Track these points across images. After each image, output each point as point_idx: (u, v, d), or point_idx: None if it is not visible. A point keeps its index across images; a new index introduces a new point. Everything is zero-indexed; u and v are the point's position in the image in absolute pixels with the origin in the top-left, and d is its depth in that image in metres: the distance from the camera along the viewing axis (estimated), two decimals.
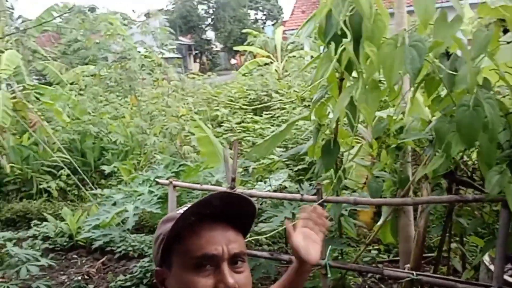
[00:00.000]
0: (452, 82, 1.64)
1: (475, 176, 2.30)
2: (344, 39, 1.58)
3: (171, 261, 0.94)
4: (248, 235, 1.08)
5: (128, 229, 3.04)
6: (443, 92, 1.97)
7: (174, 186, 2.70)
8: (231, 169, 2.56)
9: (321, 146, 2.34)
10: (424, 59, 1.49)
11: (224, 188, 2.72)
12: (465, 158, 2.25)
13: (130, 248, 4.49)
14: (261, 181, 3.64)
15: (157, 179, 2.81)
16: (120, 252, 4.48)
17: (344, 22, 1.58)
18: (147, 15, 7.04)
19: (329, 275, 2.40)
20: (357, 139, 3.01)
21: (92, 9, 6.49)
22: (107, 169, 6.39)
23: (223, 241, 0.91)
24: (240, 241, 0.95)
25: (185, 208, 0.95)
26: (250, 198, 0.97)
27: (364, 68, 1.57)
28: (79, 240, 4.69)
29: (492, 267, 3.24)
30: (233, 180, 2.60)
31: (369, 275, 3.74)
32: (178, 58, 8.52)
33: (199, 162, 3.46)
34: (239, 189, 2.65)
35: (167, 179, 3.16)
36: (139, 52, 6.93)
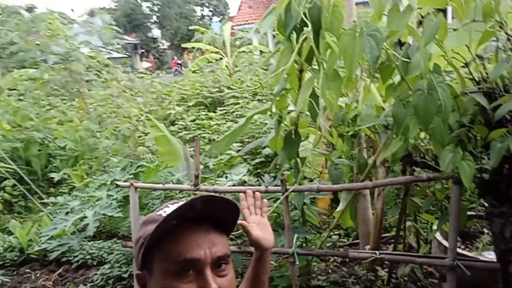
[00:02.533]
0: (405, 68, 1.73)
1: (427, 157, 2.44)
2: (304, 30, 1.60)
3: (152, 265, 0.91)
4: None
5: (89, 236, 2.92)
6: (396, 79, 2.07)
7: (136, 188, 2.63)
8: (194, 167, 2.53)
9: (283, 138, 2.37)
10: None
11: (188, 186, 2.68)
12: (418, 141, 2.38)
13: (88, 256, 4.32)
14: (221, 176, 3.63)
15: (117, 182, 2.72)
16: (77, 261, 4.29)
17: (304, 14, 1.61)
18: (91, 13, 6.74)
19: (297, 263, 2.45)
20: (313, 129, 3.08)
21: (30, 9, 6.10)
22: (56, 176, 6.07)
23: (206, 244, 0.89)
24: (223, 243, 0.93)
25: (166, 209, 0.93)
26: (232, 200, 0.96)
27: (325, 58, 1.62)
28: (31, 253, 4.44)
29: (444, 241, 3.47)
30: (197, 177, 2.57)
31: (331, 259, 3.86)
32: (126, 57, 8.24)
33: (158, 162, 3.38)
34: (203, 186, 2.63)
35: (125, 181, 3.08)
36: (83, 53, 6.63)
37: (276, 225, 3.00)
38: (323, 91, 1.59)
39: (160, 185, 2.71)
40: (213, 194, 1.02)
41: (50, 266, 4.33)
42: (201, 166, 3.55)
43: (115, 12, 34.14)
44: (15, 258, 4.37)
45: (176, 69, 25.87)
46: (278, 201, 2.36)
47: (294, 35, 1.64)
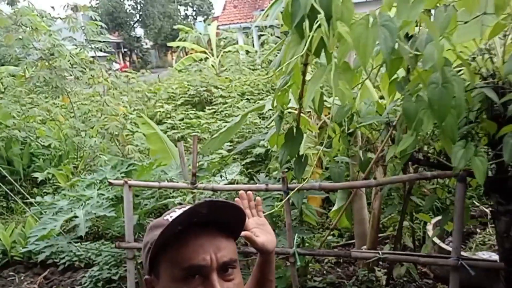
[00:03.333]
0: (415, 61, 1.69)
1: (430, 154, 2.41)
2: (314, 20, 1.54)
3: (159, 270, 0.92)
4: None
5: (81, 237, 2.79)
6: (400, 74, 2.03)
7: (130, 186, 2.52)
8: (192, 164, 2.45)
9: (284, 134, 2.31)
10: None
11: (184, 184, 2.59)
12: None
13: (75, 258, 4.17)
14: (215, 175, 3.55)
15: (110, 180, 2.60)
16: (64, 263, 4.14)
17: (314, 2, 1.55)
18: (74, 8, 6.54)
19: (298, 263, 2.39)
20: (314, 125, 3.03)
21: (12, 2, 5.88)
22: (40, 176, 5.87)
23: (212, 249, 0.89)
24: (230, 248, 0.92)
25: (172, 213, 0.94)
26: (237, 204, 0.96)
27: (334, 49, 1.56)
28: (15, 255, 4.27)
29: (438, 241, 3.46)
30: (194, 175, 2.49)
31: (326, 260, 3.82)
32: (110, 54, 8.04)
33: (152, 160, 3.27)
34: (200, 185, 2.54)
35: (116, 179, 2.96)
36: (67, 49, 6.43)
37: (273, 225, 2.94)
38: (335, 82, 1.53)
39: (155, 183, 2.61)
40: (218, 199, 1.08)
41: (35, 268, 4.18)
42: None
43: (96, 10, 33.56)
44: None
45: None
46: (283, 201, 2.29)
47: (304, 24, 1.57)
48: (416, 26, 1.86)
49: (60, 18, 6.46)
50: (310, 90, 1.65)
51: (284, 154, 2.35)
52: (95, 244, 4.17)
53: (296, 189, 2.35)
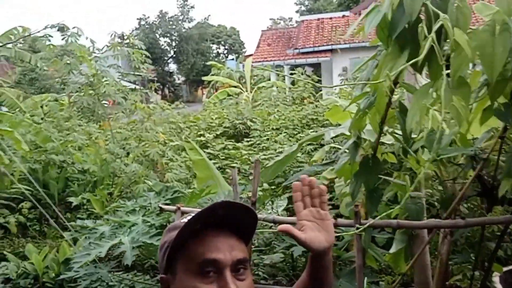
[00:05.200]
0: None
1: None
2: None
3: (176, 268, 0.95)
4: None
5: (130, 267, 2.58)
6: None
7: (182, 213, 2.32)
8: (252, 193, 2.23)
9: (359, 163, 2.08)
10: None
11: None
12: None
13: None
14: (264, 206, 3.32)
15: (161, 206, 2.40)
16: None
17: (425, 7, 1.36)
18: (121, 37, 6.68)
19: None
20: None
21: (62, 29, 6.04)
22: (74, 201, 5.78)
23: (226, 247, 0.92)
24: (242, 248, 0.96)
25: (189, 217, 0.95)
26: (251, 207, 0.98)
27: (452, 59, 1.35)
28: (46, 281, 4.07)
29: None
30: (254, 204, 2.26)
31: None
32: (143, 87, 8.13)
33: (203, 187, 3.08)
34: (260, 215, 2.31)
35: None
36: (112, 76, 6.52)
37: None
38: (447, 100, 1.31)
39: None
40: (234, 201, 1.03)
41: None
42: (244, 196, 3.25)
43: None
44: (29, 286, 4.00)
45: None
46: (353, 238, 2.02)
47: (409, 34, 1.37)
48: None
49: (107, 45, 6.60)
50: (414, 109, 1.43)
51: (357, 185, 2.11)
52: (130, 275, 3.94)
53: (368, 224, 2.08)
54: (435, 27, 1.27)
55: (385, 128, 2.09)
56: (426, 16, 1.40)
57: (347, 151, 2.11)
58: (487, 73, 1.26)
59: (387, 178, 2.29)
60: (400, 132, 2.27)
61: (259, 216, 2.32)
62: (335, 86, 10.99)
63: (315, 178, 1.02)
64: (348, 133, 2.99)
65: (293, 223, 2.35)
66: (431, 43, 1.35)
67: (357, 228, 2.08)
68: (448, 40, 1.41)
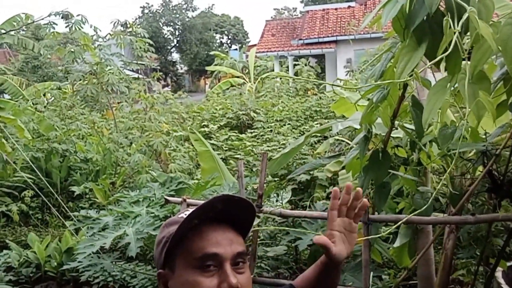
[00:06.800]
0: None
1: None
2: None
3: (174, 263, 0.94)
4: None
5: (132, 257, 2.56)
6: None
7: (188, 205, 2.29)
8: (259, 186, 2.20)
9: (369, 157, 2.03)
10: None
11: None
12: None
13: (110, 279, 3.93)
14: (269, 198, 3.29)
15: (167, 197, 2.37)
16: (98, 283, 3.90)
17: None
18: (125, 25, 6.60)
19: None
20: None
21: (66, 16, 5.97)
22: (77, 190, 5.76)
23: (226, 241, 0.93)
24: (241, 242, 0.97)
25: (187, 212, 0.95)
26: (251, 202, 0.98)
27: (473, 53, 1.30)
28: (49, 270, 4.07)
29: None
30: (260, 197, 2.23)
31: None
32: (156, 72, 8.06)
33: (208, 179, 3.05)
34: (266, 208, 2.28)
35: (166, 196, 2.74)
36: (115, 64, 6.46)
37: None
38: (471, 95, 1.26)
39: None
40: (232, 194, 0.99)
41: (67, 286, 3.96)
42: (249, 188, 3.21)
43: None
44: (31, 275, 4.00)
45: None
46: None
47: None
48: None
49: (110, 34, 6.52)
50: (431, 103, 1.38)
51: (366, 180, 2.07)
52: (129, 265, 3.93)
53: (369, 221, 2.05)
54: (462, 20, 1.22)
55: (396, 122, 2.05)
56: (446, 8, 1.34)
57: (356, 145, 2.07)
58: (509, 67, 1.21)
59: (396, 172, 2.25)
60: (409, 126, 2.24)
61: (265, 209, 2.29)
62: (342, 80, 10.88)
63: (360, 190, 1.00)
64: (355, 126, 2.96)
65: (301, 216, 2.30)
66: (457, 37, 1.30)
67: (365, 224, 2.05)
68: (468, 34, 1.36)
